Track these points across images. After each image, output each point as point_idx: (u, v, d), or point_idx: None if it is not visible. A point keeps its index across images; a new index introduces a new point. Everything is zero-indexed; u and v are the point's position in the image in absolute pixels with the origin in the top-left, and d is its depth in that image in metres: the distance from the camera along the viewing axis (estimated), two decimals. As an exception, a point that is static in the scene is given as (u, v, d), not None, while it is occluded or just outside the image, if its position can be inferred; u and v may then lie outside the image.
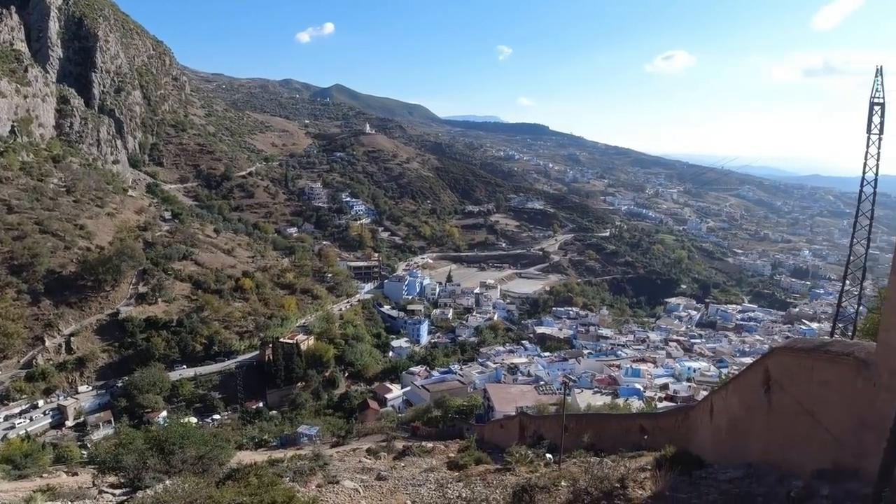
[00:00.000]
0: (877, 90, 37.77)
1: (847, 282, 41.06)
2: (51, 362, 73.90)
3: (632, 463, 13.90)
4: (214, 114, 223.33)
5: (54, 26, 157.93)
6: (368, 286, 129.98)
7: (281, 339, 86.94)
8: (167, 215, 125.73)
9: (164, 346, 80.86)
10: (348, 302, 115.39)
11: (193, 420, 51.16)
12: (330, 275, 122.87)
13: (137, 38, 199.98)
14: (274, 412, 74.61)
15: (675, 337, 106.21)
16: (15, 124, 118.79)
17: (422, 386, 72.17)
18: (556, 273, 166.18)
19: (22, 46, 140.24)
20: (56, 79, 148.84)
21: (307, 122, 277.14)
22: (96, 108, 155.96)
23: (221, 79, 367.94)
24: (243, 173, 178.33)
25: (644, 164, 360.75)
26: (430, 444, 29.97)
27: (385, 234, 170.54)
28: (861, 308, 37.97)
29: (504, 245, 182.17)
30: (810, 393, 10.03)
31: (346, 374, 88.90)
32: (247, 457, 26.82)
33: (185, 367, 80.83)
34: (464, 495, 15.30)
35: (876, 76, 38.04)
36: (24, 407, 66.87)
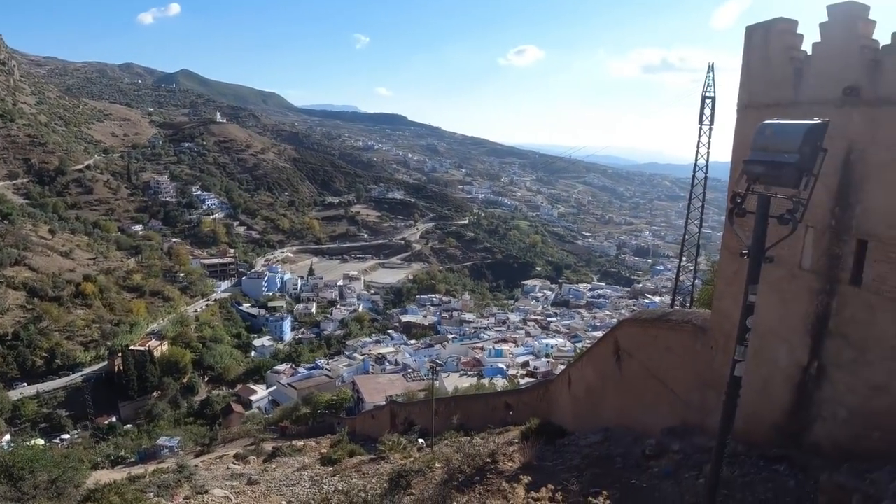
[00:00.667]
0: (708, 85, 41.76)
1: (683, 258, 45.18)
2: None
3: (500, 438, 14.62)
4: (47, 101, 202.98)
5: None
6: (225, 284, 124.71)
7: (131, 347, 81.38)
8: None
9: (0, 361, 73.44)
10: (204, 302, 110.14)
11: (41, 442, 46.72)
12: (182, 274, 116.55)
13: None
14: (129, 426, 69.84)
15: (532, 317, 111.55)
16: None
17: (288, 384, 71.07)
18: (419, 262, 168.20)
19: None
20: None
21: (151, 109, 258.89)
22: None
23: (54, 62, 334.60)
24: (80, 167, 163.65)
25: (499, 154, 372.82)
26: (301, 443, 29.73)
27: (241, 229, 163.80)
28: (697, 281, 41.92)
29: (366, 236, 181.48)
30: (656, 359, 11.06)
31: (206, 379, 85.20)
32: (104, 476, 25.11)
33: (25, 384, 74.31)
34: (340, 488, 15.34)
35: (708, 72, 42.05)
36: None
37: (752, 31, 8.66)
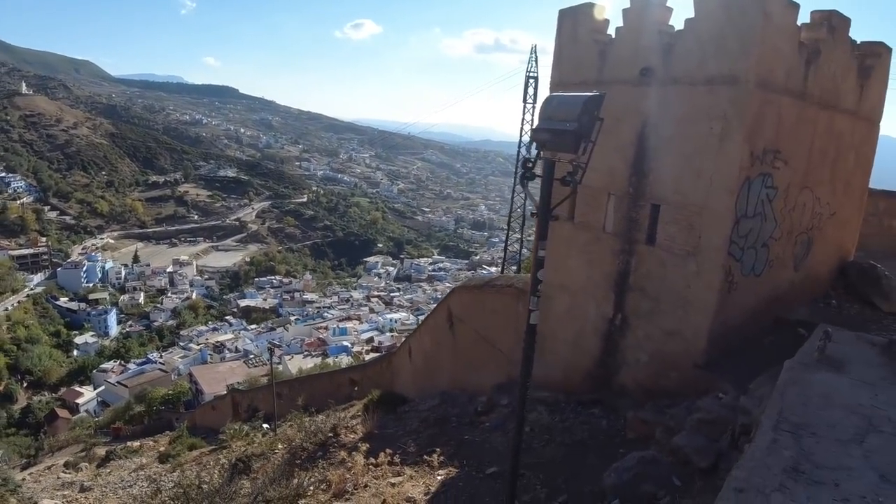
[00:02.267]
0: (532, 66, 43.97)
1: (514, 230, 47.70)
2: None
3: (344, 413, 14.83)
4: None
5: None
6: (38, 277, 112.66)
7: (-75, 353, 71.68)
8: None
9: None
10: (15, 299, 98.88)
11: None
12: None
13: None
14: (-61, 445, 61.56)
15: (375, 293, 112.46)
16: None
17: (118, 383, 66.77)
18: (256, 243, 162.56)
19: None
20: None
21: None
22: None
23: None
24: None
25: (337, 130, 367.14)
26: (136, 443, 28.35)
27: (53, 214, 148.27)
28: (524, 250, 44.49)
29: (196, 217, 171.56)
30: (484, 322, 11.80)
31: (25, 385, 77.09)
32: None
33: None
34: (177, 482, 14.86)
35: (531, 54, 44.23)
36: None
37: (563, 15, 9.37)
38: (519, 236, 45.80)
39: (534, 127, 4.70)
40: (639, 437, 7.26)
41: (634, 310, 8.30)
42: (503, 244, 52.69)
